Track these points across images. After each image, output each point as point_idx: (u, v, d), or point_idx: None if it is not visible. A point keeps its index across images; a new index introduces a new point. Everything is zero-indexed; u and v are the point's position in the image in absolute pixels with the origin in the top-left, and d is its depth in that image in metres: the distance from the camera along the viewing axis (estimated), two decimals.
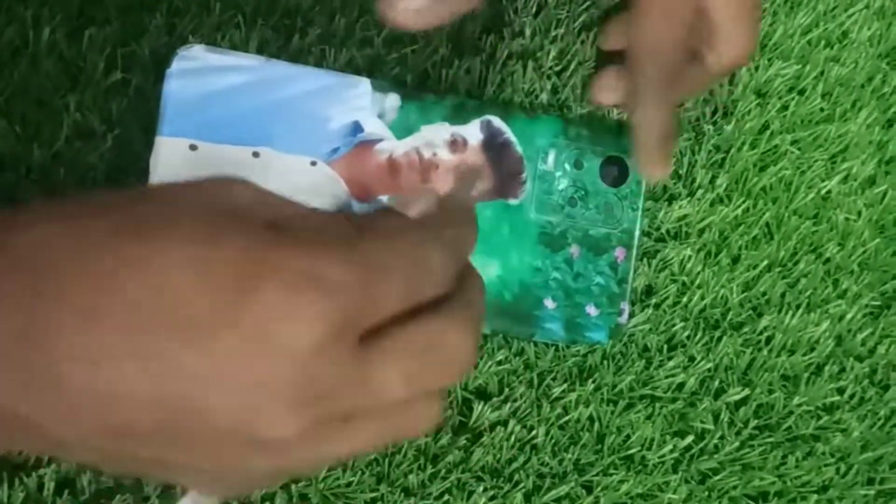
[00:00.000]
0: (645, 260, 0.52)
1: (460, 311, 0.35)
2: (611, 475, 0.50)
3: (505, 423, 0.49)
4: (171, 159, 0.45)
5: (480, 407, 0.49)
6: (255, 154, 0.46)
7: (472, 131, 0.49)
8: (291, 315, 0.31)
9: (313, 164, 0.47)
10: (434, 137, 0.49)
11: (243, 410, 0.32)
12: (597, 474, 0.50)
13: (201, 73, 0.46)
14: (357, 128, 0.48)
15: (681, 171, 0.53)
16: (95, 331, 0.31)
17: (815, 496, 0.53)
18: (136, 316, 0.31)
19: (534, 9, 0.52)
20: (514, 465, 0.49)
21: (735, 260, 0.53)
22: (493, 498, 0.49)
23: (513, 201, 0.49)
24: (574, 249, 0.50)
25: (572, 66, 0.52)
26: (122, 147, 0.46)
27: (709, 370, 0.52)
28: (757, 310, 0.53)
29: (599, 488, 0.50)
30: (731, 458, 0.52)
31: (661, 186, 0.52)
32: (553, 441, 0.50)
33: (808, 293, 0.54)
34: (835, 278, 0.54)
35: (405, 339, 0.34)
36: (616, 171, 0.51)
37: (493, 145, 0.49)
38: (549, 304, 0.49)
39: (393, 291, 0.33)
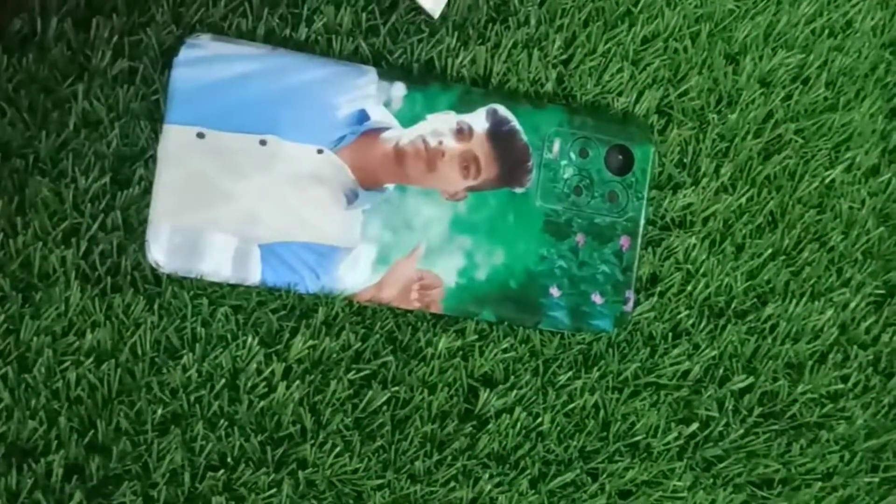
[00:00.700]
0: (650, 248, 0.52)
1: None
2: (616, 462, 0.51)
3: (511, 411, 0.50)
4: (178, 147, 0.46)
5: (486, 394, 0.49)
6: (262, 142, 0.46)
7: (478, 120, 0.49)
8: None
9: (320, 152, 0.47)
10: (440, 126, 0.49)
11: None
12: (602, 461, 0.50)
13: (208, 62, 0.46)
14: (363, 116, 0.48)
15: (685, 160, 0.53)
16: None
17: (820, 483, 0.53)
18: None
19: None
20: (520, 451, 0.50)
21: (739, 248, 0.53)
22: (498, 485, 0.49)
23: (518, 190, 0.50)
24: (579, 238, 0.50)
25: (578, 56, 0.52)
26: (129, 135, 0.47)
27: (713, 358, 0.52)
28: (761, 298, 0.53)
29: (605, 475, 0.50)
30: (735, 446, 0.52)
31: (666, 175, 0.53)
32: (559, 428, 0.50)
33: (812, 282, 0.54)
34: (839, 267, 0.55)
35: None
36: (621, 159, 0.51)
37: (499, 134, 0.49)
38: (555, 292, 0.50)
39: None
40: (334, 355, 0.48)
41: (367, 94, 0.48)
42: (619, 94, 0.52)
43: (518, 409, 0.50)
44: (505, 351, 0.50)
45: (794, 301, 0.53)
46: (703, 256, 0.53)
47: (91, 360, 0.45)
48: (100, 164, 0.46)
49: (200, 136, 0.46)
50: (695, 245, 0.52)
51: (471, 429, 0.49)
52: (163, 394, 0.46)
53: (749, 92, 0.54)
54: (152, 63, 0.47)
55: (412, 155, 0.48)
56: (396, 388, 0.49)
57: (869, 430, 0.54)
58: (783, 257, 0.54)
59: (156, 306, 0.46)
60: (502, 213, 0.49)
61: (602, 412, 0.51)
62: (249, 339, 0.47)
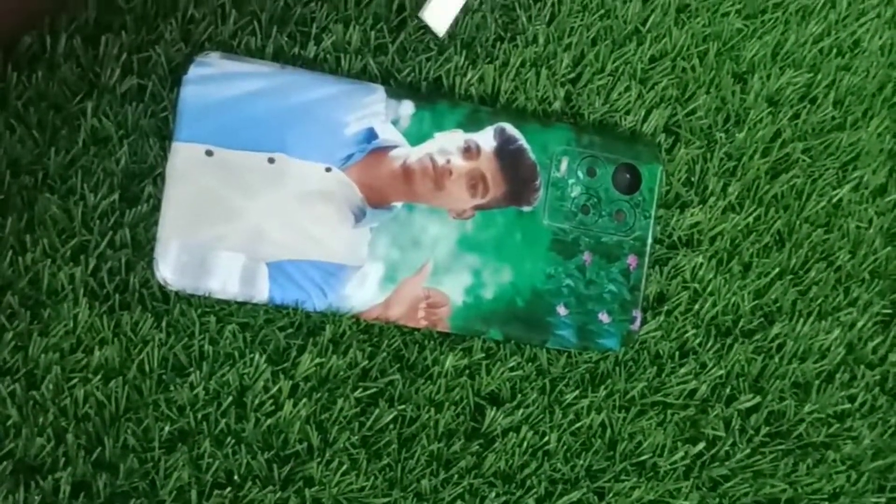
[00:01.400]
0: (657, 267, 0.52)
1: None
2: (622, 481, 0.50)
3: (517, 429, 0.50)
4: (186, 165, 0.46)
5: (493, 412, 0.49)
6: (271, 160, 0.47)
7: (486, 138, 0.49)
8: None
9: (328, 170, 0.47)
10: (448, 144, 0.49)
11: None
12: (608, 480, 0.50)
13: (217, 80, 0.46)
14: (371, 134, 0.48)
15: (693, 179, 0.53)
16: None
17: (826, 503, 0.53)
18: None
19: (547, 17, 0.52)
20: (527, 470, 0.49)
21: (746, 267, 0.53)
22: (505, 503, 0.49)
23: (526, 208, 0.50)
24: (586, 256, 0.50)
25: (586, 74, 0.52)
26: (138, 153, 0.47)
27: (720, 377, 0.52)
28: (768, 317, 0.53)
29: (611, 494, 0.50)
30: (742, 465, 0.52)
31: (673, 194, 0.53)
32: (565, 447, 0.50)
33: (819, 301, 0.54)
34: (846, 286, 0.54)
35: None
36: (629, 178, 0.51)
37: (507, 152, 0.49)
38: (562, 310, 0.50)
39: None
40: (341, 373, 0.48)
41: (376, 112, 0.48)
42: (627, 113, 0.52)
43: (525, 428, 0.49)
44: (512, 369, 0.50)
45: (802, 320, 0.53)
46: (711, 275, 0.53)
47: (99, 377, 0.45)
48: (108, 182, 0.46)
49: (209, 153, 0.46)
50: (702, 264, 0.52)
51: (477, 447, 0.49)
52: (170, 411, 0.46)
53: (757, 111, 0.54)
54: (161, 80, 0.47)
55: (420, 173, 0.48)
56: (403, 406, 0.49)
57: (876, 450, 0.54)
58: (790, 276, 0.54)
59: (164, 324, 0.46)
60: (510, 232, 0.49)
61: (609, 431, 0.51)
62: (257, 356, 0.47)
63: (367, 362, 0.48)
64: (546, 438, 0.50)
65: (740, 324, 0.53)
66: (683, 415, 0.52)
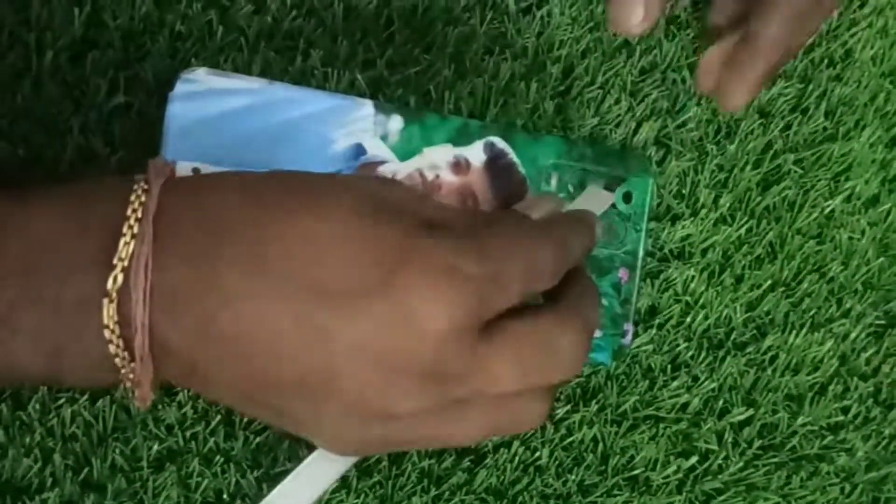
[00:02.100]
0: (648, 280, 0.52)
1: (571, 313, 0.40)
2: (615, 496, 0.50)
3: (508, 445, 0.49)
4: None
5: None
6: None
7: (476, 153, 0.49)
8: (432, 298, 0.35)
9: None
10: (437, 159, 0.49)
11: (374, 380, 0.36)
12: (601, 495, 0.50)
13: (204, 96, 0.46)
14: (360, 150, 0.48)
15: (684, 191, 0.53)
16: (258, 286, 0.36)
17: None
18: (295, 279, 0.36)
19: (536, 29, 0.52)
20: (518, 486, 0.49)
21: (738, 280, 0.53)
22: None
23: None
24: None
25: (576, 87, 0.52)
26: (125, 170, 0.46)
27: (713, 390, 0.52)
28: (761, 329, 0.53)
29: None
30: (735, 479, 0.52)
31: (664, 206, 0.52)
32: (557, 462, 0.50)
33: (811, 313, 0.54)
34: (838, 297, 0.54)
35: (520, 332, 0.38)
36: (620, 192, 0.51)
37: (497, 166, 0.49)
38: None
39: (515, 286, 0.37)
40: None
41: (364, 127, 0.48)
42: (618, 126, 0.52)
43: (516, 444, 0.49)
44: None
45: (794, 332, 0.53)
46: (702, 288, 0.52)
47: (86, 397, 0.45)
48: None
49: (196, 171, 0.45)
50: (693, 276, 0.52)
51: (468, 463, 0.49)
52: (158, 430, 0.46)
53: (748, 122, 0.54)
54: (148, 97, 0.47)
55: None
56: None
57: (869, 462, 0.54)
58: (783, 288, 0.53)
59: None
60: None
61: (601, 445, 0.51)
62: None
63: None
64: (538, 454, 0.50)
65: (732, 336, 0.53)
66: (676, 428, 0.51)
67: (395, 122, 0.48)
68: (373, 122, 0.48)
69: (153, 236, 0.36)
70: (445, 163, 0.49)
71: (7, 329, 0.36)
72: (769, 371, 0.53)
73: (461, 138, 0.49)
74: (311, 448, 0.44)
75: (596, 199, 0.49)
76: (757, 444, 0.52)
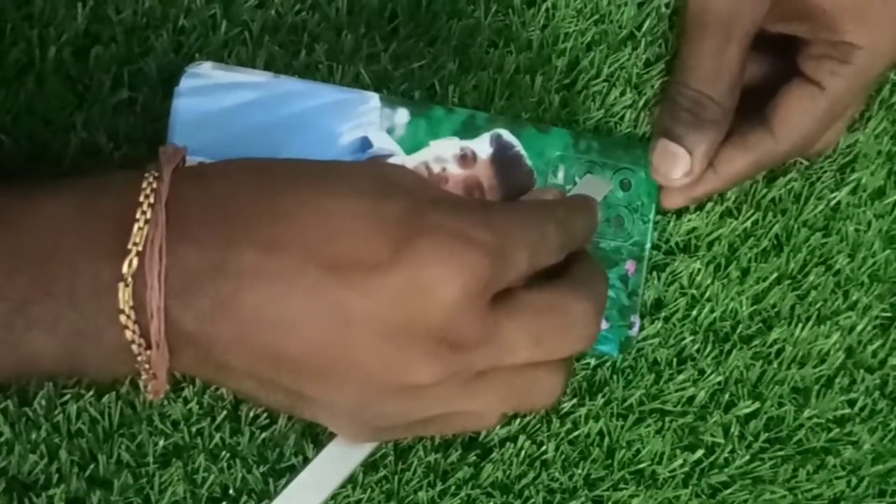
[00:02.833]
0: (654, 273, 0.52)
1: (581, 285, 0.41)
2: (621, 490, 0.50)
3: (514, 439, 0.49)
4: None
5: None
6: None
7: (482, 145, 0.49)
8: (444, 265, 0.36)
9: None
10: (443, 152, 0.48)
11: (390, 351, 0.37)
12: (607, 489, 0.50)
13: (209, 91, 0.46)
14: (366, 143, 0.48)
15: None
16: (272, 265, 0.36)
17: None
18: (309, 255, 0.36)
19: (541, 22, 0.52)
20: (524, 480, 0.49)
21: (744, 272, 0.53)
22: None
23: None
24: None
25: (581, 80, 0.52)
26: (129, 166, 0.46)
27: (719, 383, 0.52)
28: (767, 322, 0.53)
29: (610, 503, 0.50)
30: (741, 472, 0.52)
31: None
32: (563, 456, 0.50)
33: (818, 305, 0.54)
34: (845, 290, 0.54)
35: (531, 300, 0.39)
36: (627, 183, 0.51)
37: (503, 159, 0.49)
38: None
39: (521, 257, 0.38)
40: None
41: (370, 121, 0.48)
42: (623, 118, 0.52)
43: (522, 438, 0.49)
44: None
45: (800, 325, 0.53)
46: (708, 281, 0.52)
47: (91, 392, 0.45)
48: None
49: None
50: (699, 269, 0.52)
51: (474, 458, 0.49)
52: (164, 426, 0.46)
53: None
54: (152, 92, 0.47)
55: None
56: None
57: (876, 455, 0.54)
58: (788, 281, 0.53)
59: None
60: None
61: (607, 439, 0.50)
62: None
63: None
64: (544, 448, 0.50)
65: (738, 329, 0.53)
66: (682, 422, 0.51)
67: (402, 115, 0.48)
68: (379, 116, 0.48)
69: (166, 221, 0.36)
70: (452, 155, 0.48)
71: (22, 320, 0.36)
72: (775, 364, 0.53)
73: (467, 131, 0.49)
74: (317, 444, 0.45)
75: (595, 186, 0.49)
76: (763, 437, 0.52)
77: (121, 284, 0.36)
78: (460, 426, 0.42)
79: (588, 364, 0.51)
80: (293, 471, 0.46)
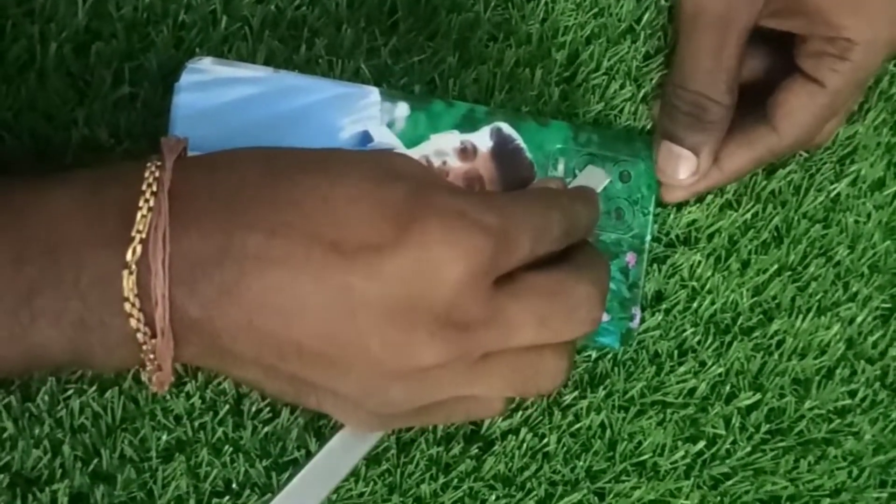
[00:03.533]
0: (655, 265, 0.52)
1: (584, 269, 0.41)
2: (623, 482, 0.50)
3: (516, 432, 0.49)
4: None
5: None
6: None
7: (482, 139, 0.49)
8: (448, 246, 0.36)
9: None
10: (444, 145, 0.48)
11: (395, 333, 0.37)
12: (609, 481, 0.50)
13: (210, 86, 0.46)
14: (367, 137, 0.48)
15: None
16: (277, 250, 0.36)
17: (828, 500, 0.53)
18: (314, 240, 0.36)
19: (541, 15, 0.52)
20: (526, 473, 0.49)
21: (745, 264, 0.53)
22: None
23: None
24: None
25: (581, 73, 0.52)
26: (131, 160, 0.46)
27: (720, 375, 0.52)
28: (767, 314, 0.53)
29: (612, 495, 0.50)
30: (743, 463, 0.52)
31: None
32: (565, 448, 0.50)
33: (818, 297, 0.54)
34: (845, 281, 0.54)
35: (535, 282, 0.39)
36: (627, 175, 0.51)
37: (503, 152, 0.49)
38: None
39: (524, 241, 0.38)
40: None
41: (370, 115, 0.48)
42: (623, 111, 0.52)
43: (524, 430, 0.49)
44: None
45: (801, 316, 0.53)
46: (709, 273, 0.52)
47: (94, 388, 0.45)
48: None
49: None
50: (700, 262, 0.52)
51: (476, 450, 0.49)
52: (167, 420, 0.46)
53: None
54: (153, 87, 0.47)
55: None
56: None
57: (877, 446, 0.54)
58: (789, 273, 0.53)
59: None
60: None
61: (608, 431, 0.51)
62: None
63: None
64: (545, 440, 0.50)
65: (739, 321, 0.53)
66: (683, 413, 0.51)
67: (402, 109, 0.48)
68: (379, 110, 0.48)
69: (170, 209, 0.37)
70: (452, 149, 0.48)
71: (28, 312, 0.36)
72: (776, 355, 0.53)
73: (467, 124, 0.49)
74: (320, 438, 0.45)
75: (594, 178, 0.49)
76: (764, 428, 0.52)
77: (125, 272, 0.36)
78: (465, 413, 0.42)
79: (589, 356, 0.51)
80: (296, 465, 0.47)
